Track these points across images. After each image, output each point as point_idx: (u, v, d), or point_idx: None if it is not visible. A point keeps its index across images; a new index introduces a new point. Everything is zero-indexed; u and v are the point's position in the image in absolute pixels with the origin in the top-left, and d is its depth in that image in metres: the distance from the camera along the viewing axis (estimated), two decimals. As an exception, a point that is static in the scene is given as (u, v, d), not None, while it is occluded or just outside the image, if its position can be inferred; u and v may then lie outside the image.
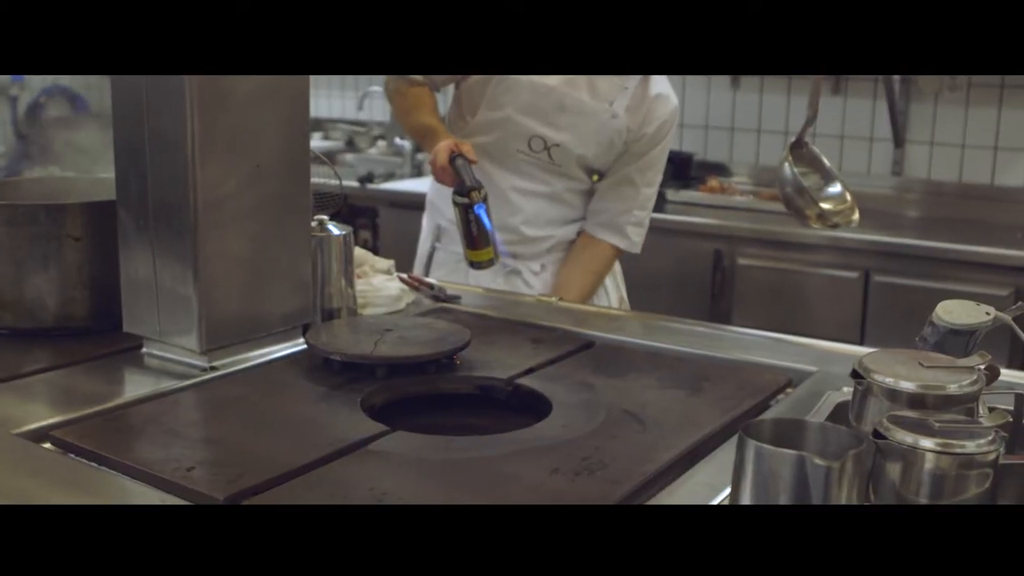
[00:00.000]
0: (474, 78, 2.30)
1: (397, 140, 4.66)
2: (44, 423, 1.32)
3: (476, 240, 2.05)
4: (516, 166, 2.30)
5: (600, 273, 2.42)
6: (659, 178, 2.42)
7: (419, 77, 2.31)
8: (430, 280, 2.04)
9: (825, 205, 1.71)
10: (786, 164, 1.68)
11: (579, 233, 2.43)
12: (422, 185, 4.22)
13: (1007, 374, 1.35)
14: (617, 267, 2.53)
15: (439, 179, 2.14)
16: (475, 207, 2.01)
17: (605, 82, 2.26)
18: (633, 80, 2.28)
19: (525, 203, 2.32)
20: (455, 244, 2.30)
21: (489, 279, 2.29)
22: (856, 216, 1.72)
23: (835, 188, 1.75)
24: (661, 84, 2.33)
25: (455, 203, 2.05)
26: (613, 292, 2.49)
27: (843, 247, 3.28)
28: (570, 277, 2.39)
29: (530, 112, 2.24)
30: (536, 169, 2.30)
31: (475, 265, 2.09)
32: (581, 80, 2.26)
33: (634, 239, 2.40)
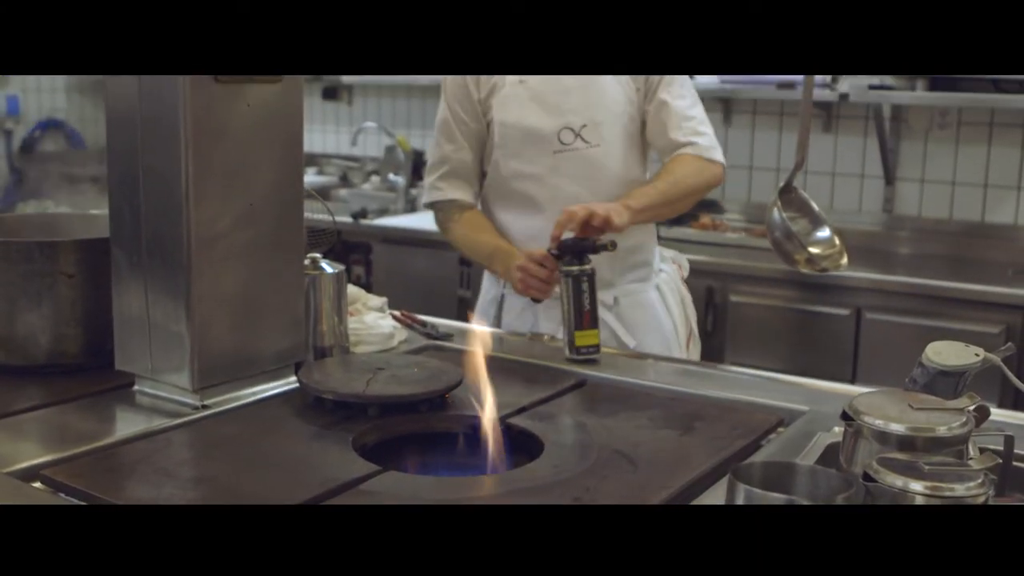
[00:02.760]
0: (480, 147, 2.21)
1: (391, 176, 4.68)
2: (35, 462, 1.32)
3: (586, 317, 1.81)
4: (558, 182, 2.14)
5: (677, 176, 2.11)
6: (688, 92, 2.16)
7: (467, 199, 2.22)
8: (422, 317, 2.04)
9: (814, 249, 1.72)
10: (775, 209, 1.70)
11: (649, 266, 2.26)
12: (415, 221, 4.26)
13: (997, 414, 1.36)
14: (687, 295, 2.35)
15: (525, 289, 1.98)
16: (590, 274, 1.81)
17: None
18: None
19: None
20: None
21: (556, 324, 2.02)
22: (844, 260, 1.73)
23: (824, 232, 1.76)
24: None
25: (566, 275, 1.82)
26: (680, 321, 2.27)
27: (835, 285, 3.29)
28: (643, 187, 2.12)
29: (541, 110, 2.12)
30: (578, 169, 2.12)
31: (580, 351, 1.81)
32: None
33: (703, 141, 2.13)
